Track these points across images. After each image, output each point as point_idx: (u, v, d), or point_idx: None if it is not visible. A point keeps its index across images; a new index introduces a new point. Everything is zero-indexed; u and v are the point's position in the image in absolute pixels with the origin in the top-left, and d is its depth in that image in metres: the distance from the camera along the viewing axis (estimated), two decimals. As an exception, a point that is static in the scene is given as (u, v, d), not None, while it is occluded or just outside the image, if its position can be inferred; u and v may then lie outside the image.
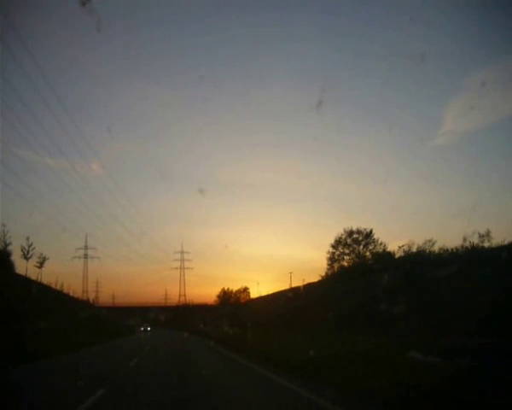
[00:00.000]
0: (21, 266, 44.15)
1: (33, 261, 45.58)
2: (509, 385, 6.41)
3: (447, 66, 77.92)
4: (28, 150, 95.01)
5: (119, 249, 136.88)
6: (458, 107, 75.23)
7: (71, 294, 58.74)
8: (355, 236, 44.81)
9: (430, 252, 33.26)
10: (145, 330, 67.24)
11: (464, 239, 30.44)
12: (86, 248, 77.09)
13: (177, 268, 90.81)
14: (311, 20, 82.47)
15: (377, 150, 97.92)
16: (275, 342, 19.44)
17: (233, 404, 8.14)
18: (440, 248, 33.18)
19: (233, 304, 76.42)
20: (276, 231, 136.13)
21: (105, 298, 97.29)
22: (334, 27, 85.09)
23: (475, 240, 30.03)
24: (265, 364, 13.63)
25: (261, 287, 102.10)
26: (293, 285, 62.60)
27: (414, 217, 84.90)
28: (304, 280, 58.90)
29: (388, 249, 42.39)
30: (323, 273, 48.86)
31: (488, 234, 30.26)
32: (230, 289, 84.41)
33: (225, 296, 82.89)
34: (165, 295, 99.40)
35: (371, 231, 44.32)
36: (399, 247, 36.41)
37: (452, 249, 31.82)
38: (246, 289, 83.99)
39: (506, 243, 27.98)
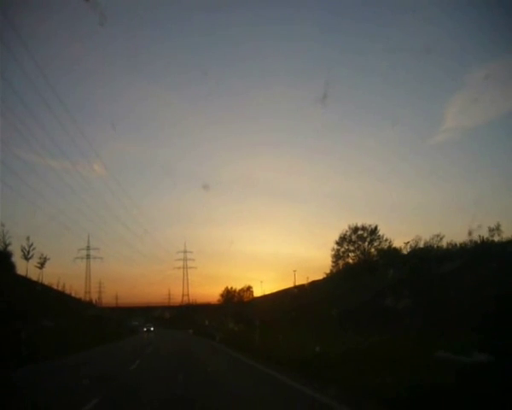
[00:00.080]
0: (22, 267, 44.43)
1: (34, 262, 45.86)
2: None
3: (449, 63, 77.83)
4: (30, 152, 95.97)
5: (121, 250, 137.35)
6: (460, 103, 75.17)
7: (73, 294, 59.11)
8: (360, 232, 44.58)
9: (438, 247, 33.17)
10: (148, 330, 67.15)
11: (469, 234, 30.40)
12: (89, 248, 77.46)
13: (180, 268, 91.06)
14: (313, 18, 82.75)
15: (380, 148, 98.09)
16: (284, 342, 18.52)
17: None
18: (448, 243, 33.11)
19: (236, 303, 76.49)
20: (280, 229, 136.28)
21: (108, 299, 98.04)
22: (336, 26, 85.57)
23: (485, 234, 29.87)
24: (280, 367, 12.49)
25: (264, 286, 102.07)
26: (297, 283, 62.66)
27: (418, 214, 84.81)
28: (308, 278, 58.95)
29: (394, 246, 42.29)
30: (328, 271, 48.81)
31: (498, 228, 30.08)
32: (234, 288, 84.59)
33: (229, 295, 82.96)
34: (169, 294, 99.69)
35: (376, 228, 44.10)
36: (405, 243, 36.35)
37: (461, 244, 31.70)
38: (249, 288, 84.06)
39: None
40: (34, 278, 45.57)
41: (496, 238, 29.83)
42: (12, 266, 40.93)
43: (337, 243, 45.37)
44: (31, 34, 79.37)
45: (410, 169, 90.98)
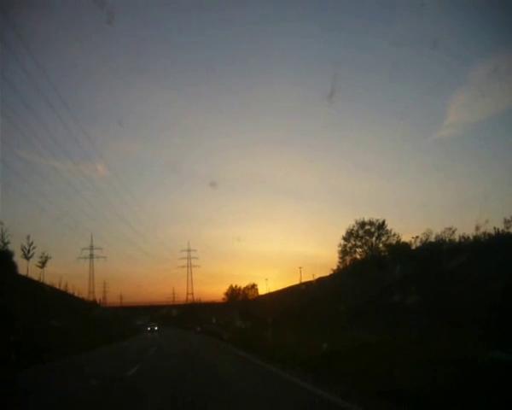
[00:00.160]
0: (23, 267, 44.46)
1: (35, 261, 45.77)
2: None
3: (453, 58, 77.20)
4: (33, 152, 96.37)
5: (125, 249, 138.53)
6: (464, 98, 74.52)
7: (76, 294, 59.25)
8: (367, 227, 44.03)
9: (450, 240, 32.54)
10: (152, 330, 67.01)
11: (477, 228, 29.87)
12: (92, 248, 77.82)
13: (184, 266, 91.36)
14: (317, 15, 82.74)
15: (385, 144, 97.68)
16: (298, 341, 17.35)
17: None
18: (461, 237, 32.44)
19: (241, 301, 76.45)
20: (284, 227, 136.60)
21: (112, 298, 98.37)
22: (340, 22, 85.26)
23: (500, 226, 29.31)
24: (310, 375, 10.78)
25: (270, 283, 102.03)
26: (303, 281, 62.32)
27: (424, 209, 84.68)
28: (313, 275, 58.56)
29: (402, 241, 41.69)
30: (334, 267, 48.33)
31: None
32: (238, 286, 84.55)
33: (233, 293, 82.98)
34: (173, 293, 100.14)
35: (384, 222, 43.53)
36: (413, 237, 35.77)
37: (475, 236, 31.03)
38: (254, 286, 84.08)
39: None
40: (35, 277, 45.54)
41: None
42: (13, 266, 40.93)
43: (344, 239, 44.91)
44: (33, 34, 79.72)
45: (416, 165, 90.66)
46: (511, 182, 67.59)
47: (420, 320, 17.11)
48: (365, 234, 44.26)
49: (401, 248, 39.15)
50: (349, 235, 44.74)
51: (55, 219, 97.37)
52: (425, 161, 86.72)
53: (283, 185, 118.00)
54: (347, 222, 56.48)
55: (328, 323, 24.77)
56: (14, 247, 42.79)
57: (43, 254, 47.33)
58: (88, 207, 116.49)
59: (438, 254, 26.93)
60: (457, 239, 32.54)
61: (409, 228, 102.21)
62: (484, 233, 29.96)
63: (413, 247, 36.79)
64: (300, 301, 43.90)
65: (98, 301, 79.29)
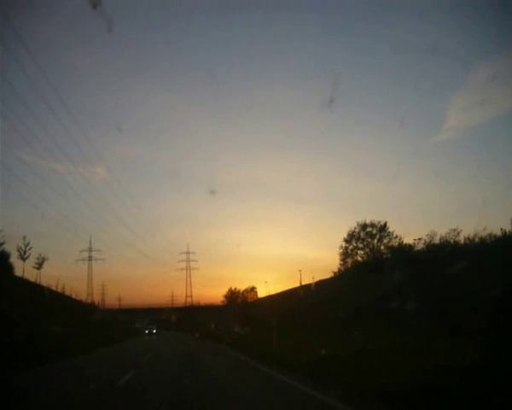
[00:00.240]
0: (19, 268, 44.51)
1: (31, 262, 45.72)
2: None
3: (452, 62, 77.45)
4: (32, 154, 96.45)
5: (124, 251, 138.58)
6: (464, 101, 74.92)
7: (73, 296, 59.33)
8: (369, 229, 43.98)
9: (455, 242, 32.32)
10: (150, 333, 66.93)
11: (475, 234, 29.88)
12: (91, 250, 77.95)
13: (183, 269, 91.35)
14: (317, 19, 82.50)
15: (385, 147, 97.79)
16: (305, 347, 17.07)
17: None
18: (466, 238, 32.20)
19: (240, 304, 76.52)
20: (284, 230, 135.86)
21: (111, 301, 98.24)
22: (341, 27, 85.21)
23: (508, 227, 29.19)
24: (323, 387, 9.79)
25: (269, 286, 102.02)
26: (303, 283, 62.30)
27: (425, 213, 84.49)
28: (313, 278, 58.50)
29: (405, 243, 41.64)
30: (335, 270, 48.32)
31: None
32: (237, 288, 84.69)
33: (233, 296, 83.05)
34: (172, 296, 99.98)
35: (385, 224, 43.48)
36: (415, 239, 35.70)
37: (480, 238, 30.86)
38: (253, 289, 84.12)
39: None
40: (31, 279, 45.55)
41: None
42: (10, 268, 40.99)
43: (345, 241, 44.86)
44: (33, 36, 79.73)
45: (415, 168, 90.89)
46: (511, 185, 67.95)
47: (419, 325, 17.18)
48: (367, 236, 44.22)
49: (403, 251, 39.12)
50: (350, 237, 44.71)
51: (54, 221, 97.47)
52: (425, 165, 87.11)
53: (283, 189, 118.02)
54: (348, 225, 56.43)
55: (327, 328, 24.84)
56: (12, 249, 42.88)
57: (40, 255, 47.36)
58: (87, 210, 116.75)
59: (441, 258, 26.88)
60: (462, 241, 32.31)
61: (409, 231, 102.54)
62: (489, 235, 29.89)
63: (416, 248, 36.76)
64: (299, 305, 43.80)
65: (97, 303, 79.52)
